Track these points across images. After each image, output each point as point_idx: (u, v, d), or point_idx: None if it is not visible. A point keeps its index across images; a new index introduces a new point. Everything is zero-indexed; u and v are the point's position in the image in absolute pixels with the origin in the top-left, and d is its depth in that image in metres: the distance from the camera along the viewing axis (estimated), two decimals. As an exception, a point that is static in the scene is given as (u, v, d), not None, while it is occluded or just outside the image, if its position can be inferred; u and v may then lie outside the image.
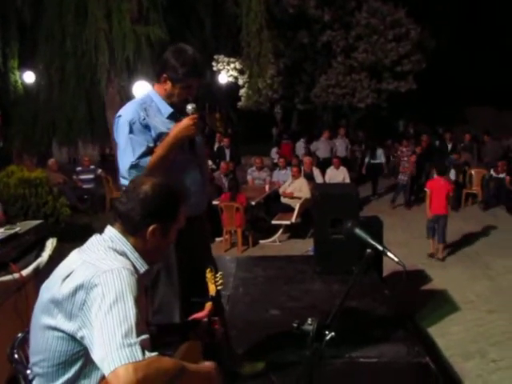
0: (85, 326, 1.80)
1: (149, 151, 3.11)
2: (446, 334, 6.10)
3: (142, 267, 2.08)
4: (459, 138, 16.95)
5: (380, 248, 2.14)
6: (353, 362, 4.01)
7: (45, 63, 14.76)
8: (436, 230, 9.38)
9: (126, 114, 3.19)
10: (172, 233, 2.16)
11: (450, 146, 16.14)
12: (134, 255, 2.06)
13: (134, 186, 2.11)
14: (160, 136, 3.15)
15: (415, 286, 7.66)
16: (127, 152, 3.13)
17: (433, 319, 6.44)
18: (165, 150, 3.10)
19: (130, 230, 2.07)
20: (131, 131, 3.13)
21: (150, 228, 2.05)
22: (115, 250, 2.01)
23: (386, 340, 4.35)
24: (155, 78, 3.41)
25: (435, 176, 9.96)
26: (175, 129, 3.13)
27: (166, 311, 3.28)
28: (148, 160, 3.09)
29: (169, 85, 3.23)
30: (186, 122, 3.13)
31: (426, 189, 9.85)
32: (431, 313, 6.68)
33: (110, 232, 2.09)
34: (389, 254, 2.15)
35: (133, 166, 3.10)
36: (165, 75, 3.23)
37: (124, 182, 3.12)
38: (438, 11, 21.87)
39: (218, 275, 2.67)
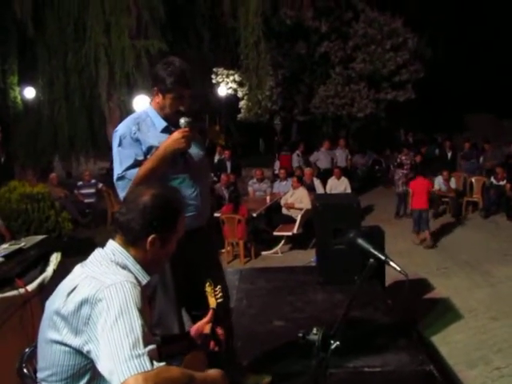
0: (91, 340, 1.82)
1: (136, 164, 3.15)
2: (449, 342, 6.11)
3: (144, 279, 2.10)
4: (459, 146, 16.99)
5: (382, 257, 2.16)
6: (357, 372, 4.01)
7: (45, 79, 14.84)
8: (421, 222, 10.98)
9: (120, 128, 3.26)
10: (171, 243, 2.19)
11: (449, 155, 16.18)
12: (135, 267, 2.08)
13: (133, 197, 2.14)
14: (150, 150, 3.19)
15: (417, 295, 7.66)
16: (116, 164, 3.20)
17: (436, 327, 6.45)
18: (153, 162, 3.12)
19: (130, 240, 2.09)
20: (120, 144, 3.19)
21: (150, 238, 2.07)
22: (117, 264, 2.04)
23: (389, 349, 4.36)
24: (150, 94, 3.46)
25: (416, 177, 11.91)
26: (165, 142, 3.15)
27: (165, 325, 3.30)
28: (135, 172, 3.13)
29: (160, 97, 3.27)
30: (175, 135, 3.15)
31: (408, 188, 11.88)
32: (434, 321, 6.69)
33: (112, 245, 2.12)
34: (391, 263, 2.18)
35: (119, 178, 3.16)
36: (155, 88, 3.28)
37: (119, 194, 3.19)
38: (434, 20, 21.97)
39: (217, 288, 2.70)
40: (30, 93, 16.39)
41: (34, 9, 13.54)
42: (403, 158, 15.34)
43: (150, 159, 3.14)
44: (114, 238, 2.13)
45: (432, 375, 3.96)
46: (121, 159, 3.17)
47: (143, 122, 3.27)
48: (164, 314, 3.32)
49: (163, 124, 3.28)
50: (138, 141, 3.20)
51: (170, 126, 3.26)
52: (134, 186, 2.96)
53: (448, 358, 5.67)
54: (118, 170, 3.17)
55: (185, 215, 2.25)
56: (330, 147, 16.39)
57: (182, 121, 3.19)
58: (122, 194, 3.10)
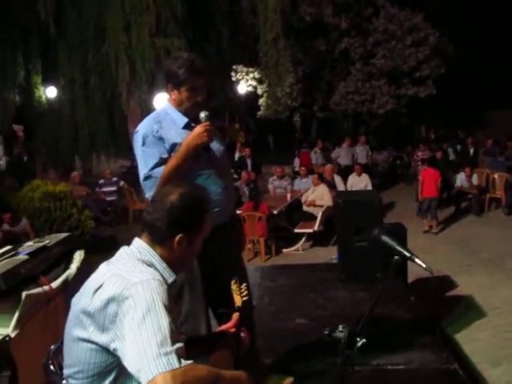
0: (117, 338, 1.83)
1: (162, 162, 3.14)
2: (472, 340, 6.05)
3: (170, 277, 2.10)
4: (481, 143, 16.83)
5: (408, 255, 2.15)
6: (381, 370, 3.98)
7: (67, 78, 14.95)
8: (429, 210, 11.75)
9: (141, 128, 3.24)
10: (197, 242, 2.19)
11: (471, 151, 16.04)
12: (161, 266, 2.08)
13: (160, 196, 2.14)
14: (174, 147, 3.16)
15: (440, 292, 7.60)
16: (141, 164, 3.19)
17: (459, 325, 6.38)
18: (178, 159, 3.10)
19: (157, 239, 2.09)
20: (144, 144, 3.17)
21: (177, 237, 2.07)
22: (143, 262, 2.04)
23: (413, 346, 4.32)
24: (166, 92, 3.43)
25: (425, 167, 12.95)
26: (187, 137, 3.13)
27: (192, 323, 3.30)
28: (161, 170, 3.11)
29: (175, 92, 3.26)
30: (197, 129, 3.13)
31: (419, 177, 12.81)
32: (457, 319, 6.63)
33: (138, 243, 2.12)
34: (417, 260, 2.16)
35: (146, 178, 3.15)
36: (169, 84, 3.28)
37: (145, 194, 3.18)
38: (455, 15, 21.75)
39: (242, 286, 2.69)
40: (52, 92, 16.55)
41: (56, 9, 13.64)
42: (419, 153, 15.29)
43: (175, 156, 3.12)
44: (140, 237, 2.14)
45: (456, 374, 3.92)
46: (146, 159, 3.16)
47: (164, 120, 3.25)
48: (191, 312, 3.30)
49: (184, 120, 3.26)
50: (161, 139, 3.18)
51: (191, 122, 3.25)
52: (161, 185, 2.96)
53: (471, 356, 5.61)
54: (144, 170, 3.16)
55: (211, 214, 2.24)
56: (351, 144, 16.34)
57: (202, 115, 3.17)
58: (149, 194, 3.10)
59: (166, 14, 13.63)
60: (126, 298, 1.84)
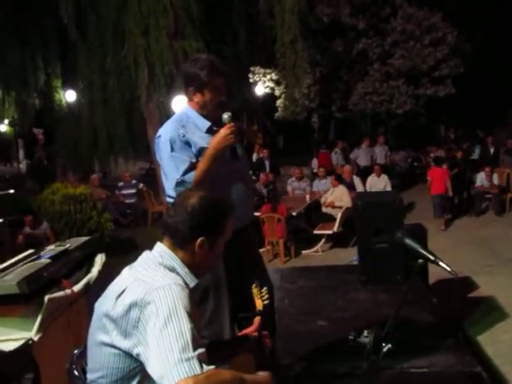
0: (140, 343, 1.83)
1: (192, 167, 3.14)
2: (495, 342, 5.97)
3: (192, 282, 2.10)
4: (501, 142, 16.67)
5: (432, 258, 2.12)
6: (404, 373, 3.95)
7: (86, 81, 15.07)
8: (443, 207, 12.00)
9: (165, 133, 3.24)
10: (219, 245, 2.18)
11: (492, 150, 15.89)
12: (183, 270, 2.08)
13: (181, 200, 2.14)
14: (201, 151, 3.17)
15: (462, 294, 7.53)
16: (171, 170, 3.17)
17: (481, 327, 6.31)
18: (207, 163, 3.11)
19: (179, 243, 2.09)
20: (172, 149, 3.16)
21: (198, 241, 2.07)
22: (165, 266, 2.04)
23: (436, 349, 4.28)
24: (185, 96, 3.42)
25: (433, 167, 13.39)
26: (214, 140, 3.14)
27: (217, 326, 3.30)
28: (192, 175, 3.12)
29: (198, 96, 3.26)
30: (223, 131, 3.14)
31: (427, 177, 13.02)
32: (479, 320, 6.55)
33: (160, 248, 2.12)
34: (441, 263, 2.13)
35: (178, 184, 3.12)
36: (191, 88, 3.28)
37: (170, 200, 3.13)
38: (473, 14, 21.58)
39: (263, 290, 2.68)
40: (71, 96, 16.69)
41: (77, 14, 13.76)
42: (431, 154, 15.33)
43: (203, 160, 3.13)
44: (161, 241, 2.14)
45: (480, 376, 3.88)
46: (176, 164, 3.15)
47: (187, 124, 3.25)
48: (216, 315, 3.31)
49: (206, 124, 3.28)
50: (187, 143, 3.19)
51: (213, 126, 3.26)
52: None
53: (494, 358, 5.55)
54: (175, 176, 3.14)
55: (232, 218, 2.24)
56: (370, 144, 16.29)
57: (226, 116, 3.18)
58: None
59: (183, 16, 13.66)
60: (148, 303, 1.84)
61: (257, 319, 2.58)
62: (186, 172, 3.13)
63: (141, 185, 14.28)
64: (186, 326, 1.79)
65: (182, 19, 13.70)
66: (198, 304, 3.14)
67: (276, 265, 9.69)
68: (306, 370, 4.00)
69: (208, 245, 2.10)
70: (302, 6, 14.94)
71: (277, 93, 21.42)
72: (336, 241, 10.78)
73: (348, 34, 20.29)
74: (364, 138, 17.03)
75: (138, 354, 1.85)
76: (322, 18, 19.62)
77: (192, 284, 2.09)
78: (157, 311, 1.81)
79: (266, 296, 2.67)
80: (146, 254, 2.12)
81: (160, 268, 2.03)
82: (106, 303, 1.97)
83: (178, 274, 2.06)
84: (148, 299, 1.85)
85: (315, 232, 10.74)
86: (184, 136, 3.18)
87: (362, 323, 4.76)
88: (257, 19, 16.61)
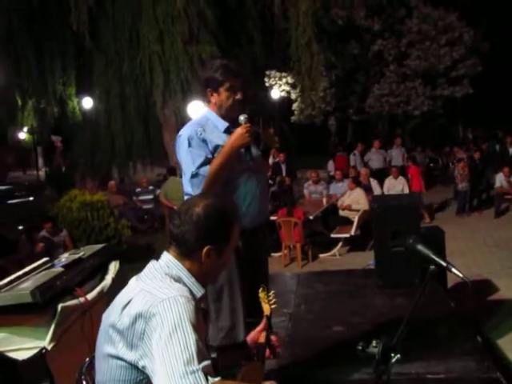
0: (146, 355, 1.82)
1: (207, 161, 3.29)
2: (516, 346, 5.89)
3: (199, 292, 2.08)
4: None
5: (444, 264, 2.07)
6: (420, 379, 3.88)
7: (101, 88, 15.17)
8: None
9: (184, 132, 3.41)
10: (227, 253, 2.16)
11: (510, 150, 15.72)
12: (190, 280, 2.06)
13: (186, 208, 2.11)
14: (216, 148, 3.33)
15: (481, 297, 7.42)
16: (188, 164, 3.33)
17: (502, 331, 6.20)
18: (222, 158, 3.27)
19: (185, 252, 2.07)
20: (190, 145, 3.33)
21: (205, 249, 2.04)
22: (171, 277, 2.02)
23: (453, 355, 4.20)
24: (204, 100, 3.64)
25: (410, 164, 14.66)
26: (230, 138, 3.31)
27: (231, 322, 3.38)
28: (207, 169, 3.27)
29: (215, 96, 3.43)
30: (239, 130, 3.30)
31: (409, 175, 13.91)
32: (499, 324, 6.44)
33: (166, 258, 2.10)
34: (453, 269, 2.08)
35: (193, 176, 3.30)
36: (208, 89, 3.45)
37: (187, 198, 3.25)
38: (489, 12, 21.39)
39: (270, 294, 2.66)
40: (87, 103, 16.82)
41: (89, 20, 13.86)
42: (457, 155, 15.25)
43: (219, 156, 3.29)
44: (168, 250, 2.12)
45: (498, 382, 3.80)
46: (193, 158, 3.31)
47: (206, 124, 3.42)
48: (231, 311, 3.38)
49: (224, 125, 3.43)
50: (204, 141, 3.35)
51: (231, 127, 3.40)
52: (208, 183, 3.23)
53: (515, 363, 5.46)
54: (191, 168, 3.31)
55: (242, 220, 2.24)
56: (380, 146, 16.22)
57: (242, 118, 3.33)
58: (196, 192, 3.24)
59: (197, 21, 13.71)
60: (153, 315, 1.82)
61: (264, 321, 2.56)
62: (201, 165, 3.29)
63: (158, 190, 14.31)
64: (191, 338, 1.77)
65: (197, 24, 13.75)
66: (206, 315, 3.18)
67: (293, 269, 9.65)
68: (314, 379, 3.96)
69: (215, 253, 2.08)
70: (316, 8, 14.92)
71: (293, 96, 21.42)
72: (354, 244, 10.72)
73: (363, 36, 20.26)
74: (375, 141, 16.93)
75: (143, 367, 1.83)
76: (337, 21, 19.60)
77: (199, 294, 2.07)
78: (162, 323, 1.79)
79: (274, 300, 2.65)
80: (152, 264, 2.10)
81: (166, 278, 2.00)
82: (113, 314, 1.96)
83: (184, 284, 2.03)
84: (153, 311, 1.83)
85: (332, 235, 10.68)
86: (201, 134, 3.35)
87: (379, 329, 4.71)
88: (272, 23, 16.60)
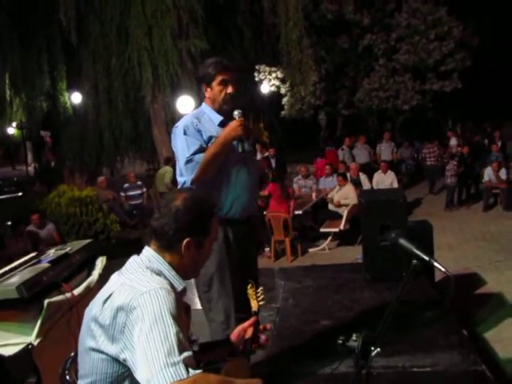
0: (127, 348, 1.83)
1: (202, 150, 3.44)
2: (502, 339, 5.91)
3: (180, 285, 2.09)
4: (510, 136, 16.55)
5: (426, 258, 2.08)
6: (406, 372, 3.91)
7: (91, 83, 15.10)
8: None
9: (181, 123, 3.57)
10: (206, 246, 2.17)
11: (499, 145, 15.78)
12: (170, 273, 2.07)
13: (166, 202, 2.14)
14: (210, 139, 3.48)
15: (469, 290, 7.46)
16: (183, 149, 3.47)
17: (488, 324, 6.25)
18: (216, 148, 3.41)
19: (165, 245, 2.09)
20: (185, 133, 3.48)
21: (184, 242, 2.06)
22: (152, 270, 2.03)
23: (439, 348, 4.23)
24: (201, 95, 3.78)
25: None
26: (224, 130, 3.46)
27: (223, 310, 3.48)
28: (201, 156, 3.41)
29: (208, 90, 3.59)
30: (233, 123, 3.44)
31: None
32: (486, 317, 6.49)
33: (147, 252, 2.12)
34: (435, 264, 2.09)
35: (188, 161, 3.43)
36: (203, 84, 3.63)
37: (180, 182, 3.50)
38: (479, 7, 21.43)
39: (259, 290, 2.66)
40: (76, 98, 16.74)
41: (77, 16, 13.79)
42: (426, 151, 15.36)
43: (213, 145, 3.44)
44: (149, 244, 2.13)
45: (484, 375, 3.82)
46: (188, 144, 3.45)
47: (202, 117, 3.59)
48: (221, 299, 3.49)
49: (219, 118, 3.58)
50: (199, 131, 3.50)
51: (225, 121, 3.54)
52: (201, 169, 3.38)
53: (502, 356, 5.50)
54: (186, 154, 3.44)
55: (218, 218, 2.24)
56: (365, 141, 16.29)
57: (236, 112, 3.48)
58: (190, 177, 3.42)
59: (186, 16, 13.67)
60: (133, 308, 1.83)
61: (253, 318, 2.56)
62: (195, 152, 3.43)
63: (144, 189, 14.24)
64: (171, 330, 1.77)
65: (186, 19, 13.71)
66: (188, 310, 3.21)
67: (283, 263, 9.66)
68: (301, 372, 3.98)
69: (195, 246, 2.10)
70: (305, 3, 14.94)
71: (282, 91, 21.38)
72: (343, 238, 10.74)
73: (353, 31, 20.26)
74: (360, 136, 16.94)
75: (124, 359, 1.84)
76: (326, 15, 19.59)
77: (180, 287, 2.08)
78: (142, 316, 1.80)
79: (262, 297, 2.65)
80: (133, 259, 2.11)
81: (147, 272, 2.01)
82: (94, 308, 1.97)
83: (165, 277, 2.04)
84: (134, 304, 1.84)
85: (322, 230, 10.70)
86: (197, 125, 3.51)
87: (366, 322, 4.73)
88: (261, 17, 16.59)
